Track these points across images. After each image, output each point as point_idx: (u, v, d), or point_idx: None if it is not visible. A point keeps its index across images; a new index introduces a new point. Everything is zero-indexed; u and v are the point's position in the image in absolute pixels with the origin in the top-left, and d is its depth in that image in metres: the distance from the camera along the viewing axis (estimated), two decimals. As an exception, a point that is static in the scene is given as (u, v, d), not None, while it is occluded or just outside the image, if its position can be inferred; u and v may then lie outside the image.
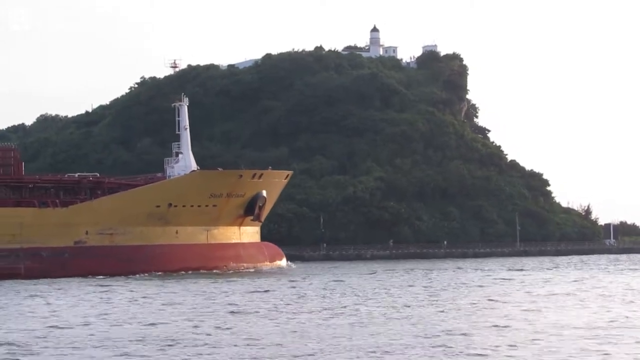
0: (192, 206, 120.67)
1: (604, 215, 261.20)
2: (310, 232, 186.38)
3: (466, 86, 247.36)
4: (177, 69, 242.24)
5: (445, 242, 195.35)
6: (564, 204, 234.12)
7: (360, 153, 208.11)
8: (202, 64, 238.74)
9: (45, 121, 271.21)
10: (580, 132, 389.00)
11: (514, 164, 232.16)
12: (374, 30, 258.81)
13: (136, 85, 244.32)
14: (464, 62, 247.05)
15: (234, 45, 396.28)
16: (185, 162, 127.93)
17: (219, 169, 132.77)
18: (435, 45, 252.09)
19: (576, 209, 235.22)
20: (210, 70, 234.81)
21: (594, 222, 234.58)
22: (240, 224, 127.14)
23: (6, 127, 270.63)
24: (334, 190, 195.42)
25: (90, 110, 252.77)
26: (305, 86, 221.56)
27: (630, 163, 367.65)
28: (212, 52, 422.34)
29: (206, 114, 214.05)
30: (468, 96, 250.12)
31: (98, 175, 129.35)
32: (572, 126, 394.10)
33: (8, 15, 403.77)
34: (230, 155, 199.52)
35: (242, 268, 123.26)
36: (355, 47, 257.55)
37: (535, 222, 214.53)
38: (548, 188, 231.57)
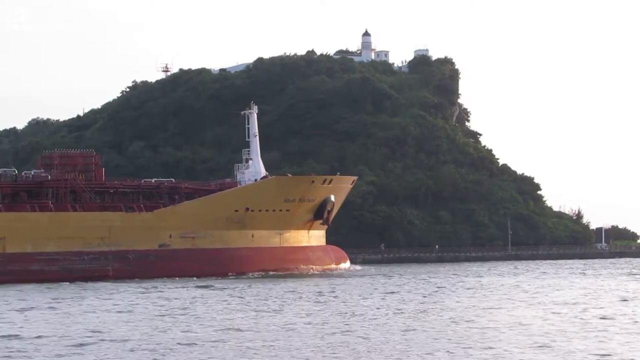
0: (267, 210, 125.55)
1: (595, 219, 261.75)
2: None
3: (458, 90, 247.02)
4: (168, 73, 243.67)
5: (437, 246, 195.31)
6: (555, 208, 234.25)
7: (352, 157, 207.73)
8: (193, 68, 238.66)
9: (37, 125, 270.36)
10: (572, 136, 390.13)
11: (505, 168, 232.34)
12: (366, 34, 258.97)
13: (128, 90, 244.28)
14: (456, 67, 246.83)
15: (226, 50, 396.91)
16: (256, 168, 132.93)
17: (289, 174, 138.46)
18: (427, 50, 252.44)
19: (568, 213, 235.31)
20: (202, 74, 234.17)
21: (586, 226, 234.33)
22: (310, 228, 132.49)
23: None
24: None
25: (81, 114, 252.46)
26: (297, 90, 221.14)
27: (622, 167, 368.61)
28: (204, 56, 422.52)
29: (197, 118, 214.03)
30: (460, 100, 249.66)
31: (173, 180, 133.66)
32: (563, 130, 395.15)
33: (7, 15, 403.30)
34: (222, 160, 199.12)
35: (311, 270, 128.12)
36: (347, 51, 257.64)
37: (527, 226, 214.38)
38: (539, 192, 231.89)
